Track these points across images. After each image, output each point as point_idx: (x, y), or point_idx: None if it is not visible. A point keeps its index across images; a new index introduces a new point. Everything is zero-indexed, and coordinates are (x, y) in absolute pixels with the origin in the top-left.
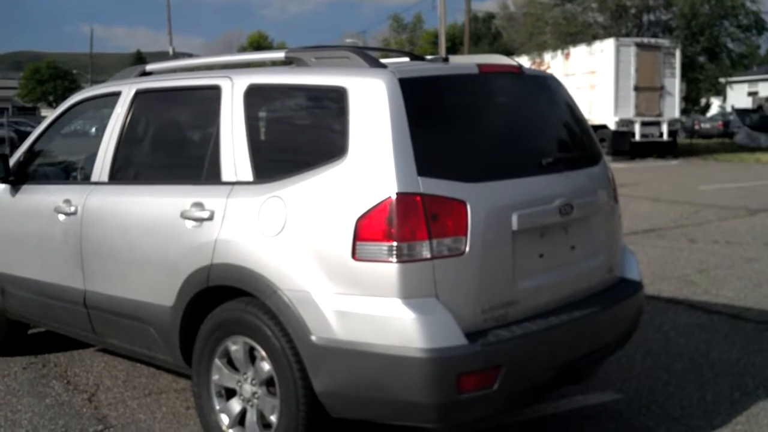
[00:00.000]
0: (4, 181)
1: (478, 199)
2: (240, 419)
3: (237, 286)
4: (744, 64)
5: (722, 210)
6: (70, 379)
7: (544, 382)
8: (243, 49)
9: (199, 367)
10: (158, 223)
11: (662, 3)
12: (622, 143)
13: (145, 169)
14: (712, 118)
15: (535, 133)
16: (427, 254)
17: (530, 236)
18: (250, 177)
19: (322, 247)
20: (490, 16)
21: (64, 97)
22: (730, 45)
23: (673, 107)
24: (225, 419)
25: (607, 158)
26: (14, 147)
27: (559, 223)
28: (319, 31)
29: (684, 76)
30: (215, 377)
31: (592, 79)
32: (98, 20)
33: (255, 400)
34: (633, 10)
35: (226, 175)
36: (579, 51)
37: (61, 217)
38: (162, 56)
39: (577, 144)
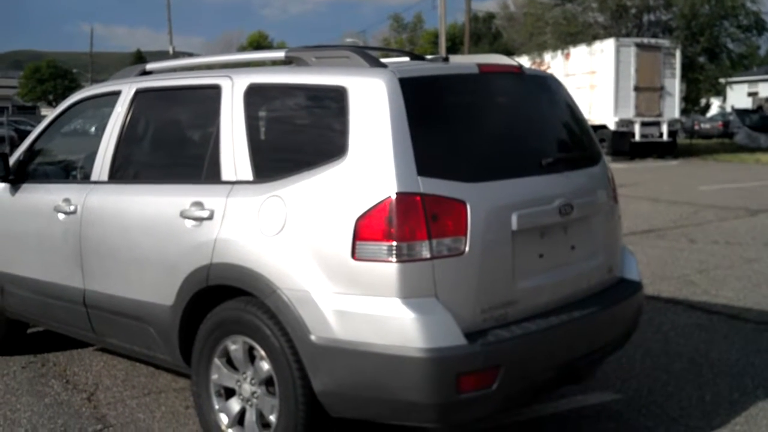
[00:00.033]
0: (3, 180)
1: (478, 199)
2: (239, 419)
3: (236, 285)
4: (744, 65)
5: (722, 210)
6: (69, 378)
7: (544, 382)
8: (243, 49)
9: (199, 367)
10: (158, 223)
11: (662, 3)
12: (621, 143)
13: (145, 169)
14: (711, 119)
15: (535, 133)
16: (426, 254)
17: (530, 236)
18: (249, 176)
19: (321, 246)
20: (491, 16)
21: (64, 97)
22: (730, 45)
23: (673, 107)
24: (224, 419)
25: (606, 158)
26: (14, 146)
27: (559, 223)
28: (319, 30)
29: (684, 76)
30: (214, 377)
31: (592, 79)
32: (98, 19)
33: (254, 400)
34: (633, 11)
35: (226, 174)
36: (579, 51)
37: (61, 216)
38: (162, 55)
39: (576, 144)
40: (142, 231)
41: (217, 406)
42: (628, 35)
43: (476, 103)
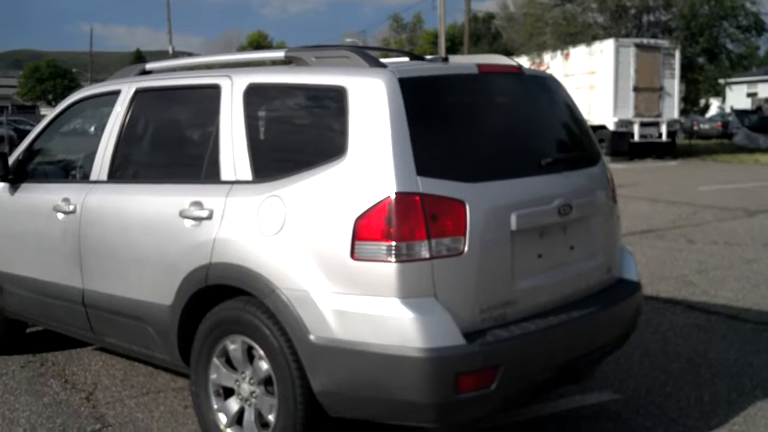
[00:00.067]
0: (3, 180)
1: (477, 199)
2: (238, 418)
3: (235, 285)
4: (743, 65)
5: (721, 211)
6: (68, 377)
7: (543, 382)
8: (242, 49)
9: (198, 366)
10: (157, 222)
11: (662, 4)
12: (621, 144)
13: (144, 168)
14: (711, 119)
15: (535, 133)
16: (425, 254)
17: (529, 236)
18: (249, 176)
19: (320, 246)
20: (490, 17)
21: (63, 96)
22: (730, 46)
23: (672, 108)
24: (223, 418)
25: (606, 159)
26: (13, 145)
27: (558, 224)
28: (318, 30)
29: (683, 76)
30: (213, 376)
31: (592, 79)
32: (98, 19)
33: (253, 400)
34: (633, 11)
35: (225, 174)
36: (578, 51)
37: (60, 215)
38: (162, 55)
39: (576, 144)
40: (141, 231)
41: (215, 406)
42: (627, 36)
43: (476, 104)
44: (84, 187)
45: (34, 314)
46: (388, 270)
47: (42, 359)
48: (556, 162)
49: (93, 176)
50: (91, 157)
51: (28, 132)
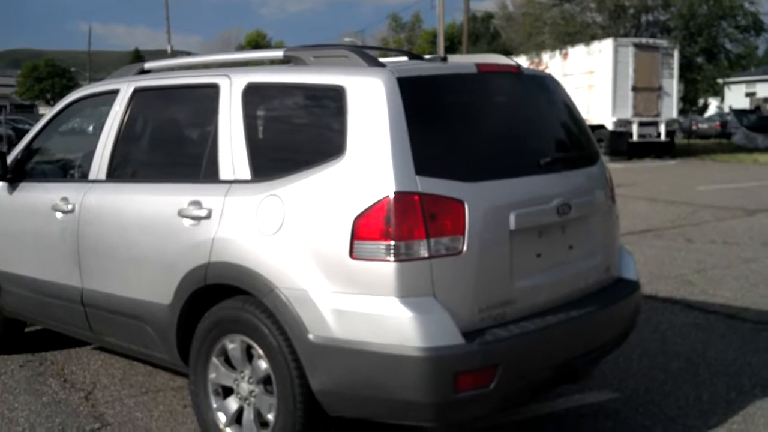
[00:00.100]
0: (1, 179)
1: (476, 199)
2: (237, 417)
3: (234, 284)
4: (742, 65)
5: (720, 210)
6: (67, 377)
7: (541, 381)
8: (241, 48)
9: (197, 366)
10: (156, 221)
11: (660, 3)
12: (619, 143)
13: (143, 167)
14: (709, 119)
15: (533, 132)
16: (424, 253)
17: (528, 236)
18: (247, 175)
19: (319, 245)
20: (489, 16)
21: (62, 95)
22: (728, 46)
23: (670, 108)
24: (222, 417)
25: (604, 158)
26: (12, 145)
27: (557, 223)
28: (317, 29)
29: (682, 76)
30: (212, 375)
31: (591, 79)
32: (97, 18)
33: (252, 399)
34: (631, 11)
35: (224, 173)
36: (577, 51)
37: (59, 215)
38: (160, 54)
39: (574, 144)
40: (140, 230)
41: (214, 405)
42: (626, 35)
43: (474, 103)
44: (83, 186)
45: (33, 313)
46: (386, 269)
47: (41, 358)
48: (554, 161)
49: (92, 175)
50: (89, 157)
51: (26, 131)
